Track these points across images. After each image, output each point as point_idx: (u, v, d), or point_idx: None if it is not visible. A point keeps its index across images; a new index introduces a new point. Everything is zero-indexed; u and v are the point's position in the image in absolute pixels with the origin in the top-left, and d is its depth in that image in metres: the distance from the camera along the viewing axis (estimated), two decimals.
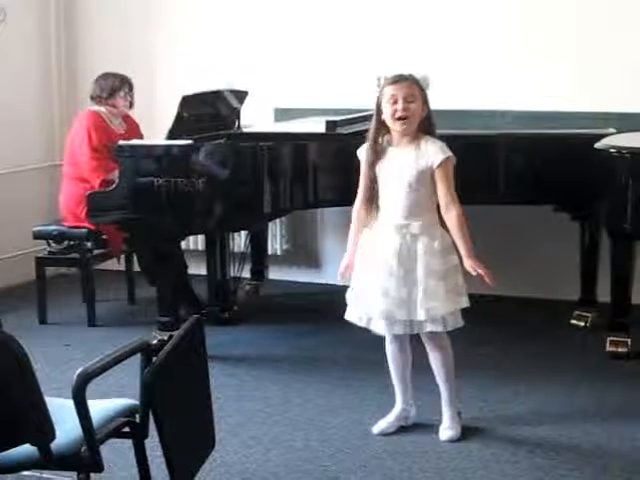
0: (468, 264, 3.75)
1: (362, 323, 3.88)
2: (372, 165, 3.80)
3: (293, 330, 5.49)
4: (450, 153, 3.77)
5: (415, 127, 3.76)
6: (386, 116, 3.74)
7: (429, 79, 3.77)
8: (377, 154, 3.80)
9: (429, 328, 3.79)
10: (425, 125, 3.79)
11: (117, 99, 5.67)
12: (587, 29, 5.54)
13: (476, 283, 3.89)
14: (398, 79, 3.74)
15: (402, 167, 3.76)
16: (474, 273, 3.73)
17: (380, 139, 3.81)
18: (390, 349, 3.98)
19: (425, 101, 3.77)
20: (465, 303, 3.82)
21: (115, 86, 5.66)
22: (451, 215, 3.77)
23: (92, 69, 6.37)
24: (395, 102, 3.71)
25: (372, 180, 3.82)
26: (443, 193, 3.77)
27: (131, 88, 5.72)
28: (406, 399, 4.04)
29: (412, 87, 3.74)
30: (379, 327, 3.86)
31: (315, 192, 4.96)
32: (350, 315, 3.91)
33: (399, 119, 3.72)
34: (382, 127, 3.79)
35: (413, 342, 3.98)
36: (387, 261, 3.77)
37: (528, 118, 5.48)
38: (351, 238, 3.92)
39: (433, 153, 3.75)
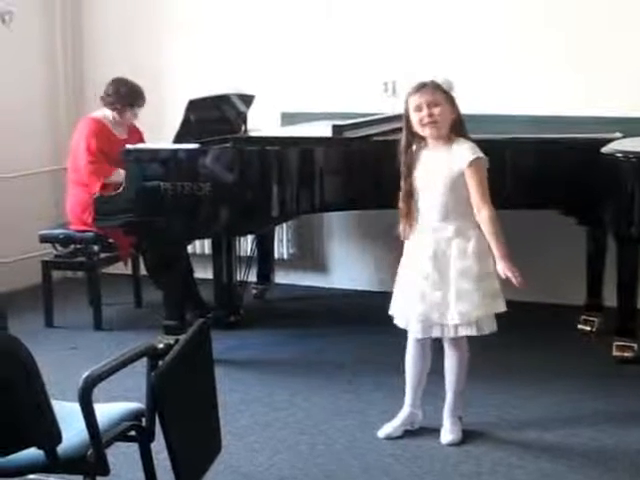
0: (501, 266, 3.74)
1: (402, 325, 3.91)
2: (407, 172, 3.83)
3: (299, 334, 5.49)
4: (481, 154, 3.79)
5: (446, 130, 3.80)
6: (415, 124, 3.78)
7: (452, 81, 3.79)
8: (410, 161, 3.83)
9: (464, 332, 3.82)
10: (457, 127, 3.83)
11: (127, 113, 5.67)
12: (593, 34, 5.53)
13: None
14: (420, 87, 3.79)
15: (435, 170, 3.80)
16: (503, 276, 3.74)
17: (414, 146, 3.85)
18: (411, 351, 3.97)
19: (453, 103, 3.80)
20: (502, 307, 3.85)
21: (130, 101, 5.64)
22: (482, 217, 3.77)
23: (99, 73, 6.39)
24: (420, 110, 3.76)
25: (407, 191, 3.84)
26: (474, 194, 3.77)
27: (142, 104, 5.72)
28: (415, 403, 4.03)
29: (434, 93, 3.77)
30: (415, 330, 3.87)
31: (321, 196, 4.95)
32: (395, 318, 3.94)
33: (425, 125, 3.76)
34: (413, 135, 3.83)
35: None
36: (423, 264, 3.80)
37: (534, 123, 5.47)
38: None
39: (463, 154, 3.77)
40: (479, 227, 3.80)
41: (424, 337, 3.88)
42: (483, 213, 3.76)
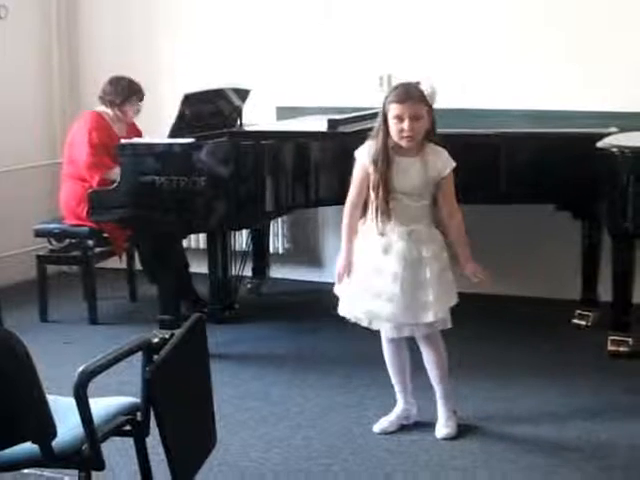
0: (469, 269, 3.81)
1: (364, 323, 3.89)
2: (383, 173, 3.76)
3: (294, 328, 5.49)
4: (453, 162, 3.80)
5: (420, 139, 3.79)
6: (392, 131, 3.75)
7: (436, 92, 3.75)
8: (388, 162, 3.77)
9: (440, 327, 3.85)
10: (429, 133, 3.80)
11: (128, 107, 5.67)
12: (589, 28, 5.53)
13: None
14: (406, 97, 3.71)
15: (411, 178, 3.78)
16: (475, 279, 3.80)
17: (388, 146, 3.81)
18: (388, 350, 3.98)
19: (430, 113, 3.77)
20: (455, 300, 3.86)
21: (130, 93, 5.64)
22: (455, 222, 3.82)
23: (94, 67, 6.39)
24: (401, 121, 3.71)
25: (385, 189, 3.77)
26: (448, 201, 3.81)
27: (142, 98, 5.72)
28: (406, 398, 4.04)
29: (418, 106, 3.72)
30: (384, 330, 3.87)
31: (317, 191, 4.96)
32: (346, 312, 3.91)
33: (404, 138, 3.73)
34: (388, 135, 3.78)
35: (409, 342, 3.98)
36: (392, 267, 3.78)
37: (530, 117, 5.47)
38: (346, 238, 3.89)
39: (441, 165, 3.78)
40: (436, 227, 3.84)
41: (398, 337, 3.89)
42: (457, 219, 3.83)
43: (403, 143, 3.75)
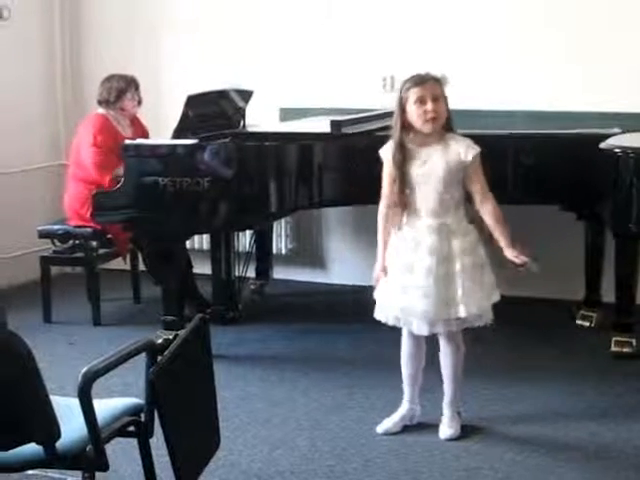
0: (510, 253, 3.76)
1: (400, 324, 3.87)
2: (400, 166, 3.76)
3: (298, 329, 5.49)
4: (478, 147, 3.79)
5: (441, 126, 3.78)
6: (413, 117, 3.73)
7: (447, 77, 3.77)
8: (405, 155, 3.77)
9: (468, 324, 3.83)
10: (448, 123, 3.80)
11: (125, 101, 5.67)
12: (590, 28, 5.53)
13: None
14: (424, 80, 3.73)
15: (434, 167, 3.76)
16: (519, 261, 3.74)
17: (405, 139, 3.79)
18: (407, 348, 3.97)
19: (446, 98, 3.78)
20: (497, 297, 3.85)
21: (121, 88, 5.64)
22: (489, 207, 3.80)
23: (97, 69, 6.38)
24: (423, 103, 3.70)
25: (401, 181, 3.77)
26: (479, 186, 3.79)
27: (137, 87, 5.72)
28: (413, 398, 4.03)
29: (437, 86, 3.74)
30: (418, 327, 3.84)
31: (320, 192, 4.96)
32: (383, 315, 3.89)
33: (428, 120, 3.71)
34: (406, 128, 3.77)
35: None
36: (425, 261, 3.76)
37: (533, 118, 5.48)
38: (381, 241, 3.88)
39: (464, 150, 3.76)
40: (468, 220, 3.83)
41: (428, 333, 3.86)
42: (490, 203, 3.80)
43: (427, 127, 3.72)
